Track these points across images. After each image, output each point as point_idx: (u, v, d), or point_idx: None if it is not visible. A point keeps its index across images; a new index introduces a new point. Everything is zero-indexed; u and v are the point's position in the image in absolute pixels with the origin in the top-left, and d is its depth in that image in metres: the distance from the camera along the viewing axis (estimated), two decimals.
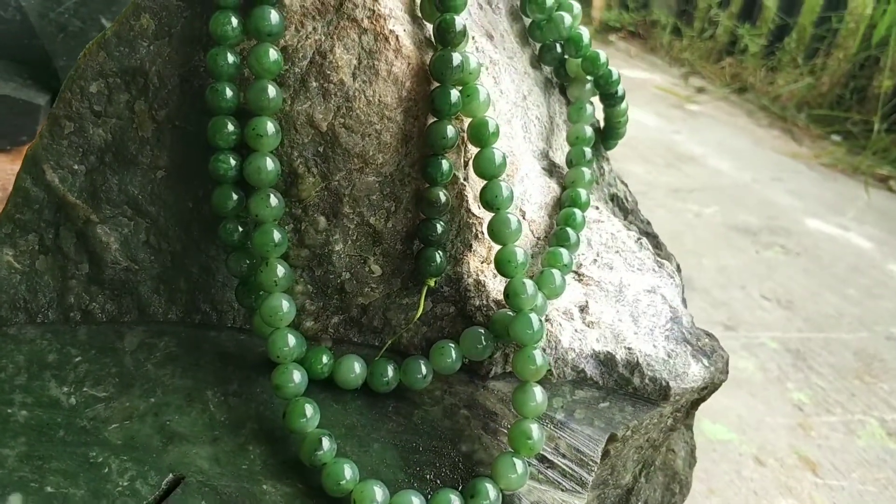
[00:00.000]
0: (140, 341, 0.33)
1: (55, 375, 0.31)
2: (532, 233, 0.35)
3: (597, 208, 0.39)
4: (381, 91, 0.30)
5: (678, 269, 0.44)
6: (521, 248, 0.31)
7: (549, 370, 0.32)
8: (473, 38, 0.35)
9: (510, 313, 0.31)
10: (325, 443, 0.28)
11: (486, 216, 0.33)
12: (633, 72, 1.69)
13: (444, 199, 0.31)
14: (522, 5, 0.38)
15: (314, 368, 0.31)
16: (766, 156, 1.26)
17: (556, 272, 0.32)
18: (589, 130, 0.38)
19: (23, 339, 0.31)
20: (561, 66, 0.40)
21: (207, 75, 0.30)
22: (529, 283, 0.30)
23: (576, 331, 0.33)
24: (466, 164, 0.32)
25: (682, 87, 1.62)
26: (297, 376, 0.29)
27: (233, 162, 0.29)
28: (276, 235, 0.29)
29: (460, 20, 0.30)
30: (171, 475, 0.28)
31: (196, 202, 0.31)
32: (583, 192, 0.36)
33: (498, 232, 0.31)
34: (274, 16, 0.28)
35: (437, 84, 0.30)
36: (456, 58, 0.30)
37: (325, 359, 0.31)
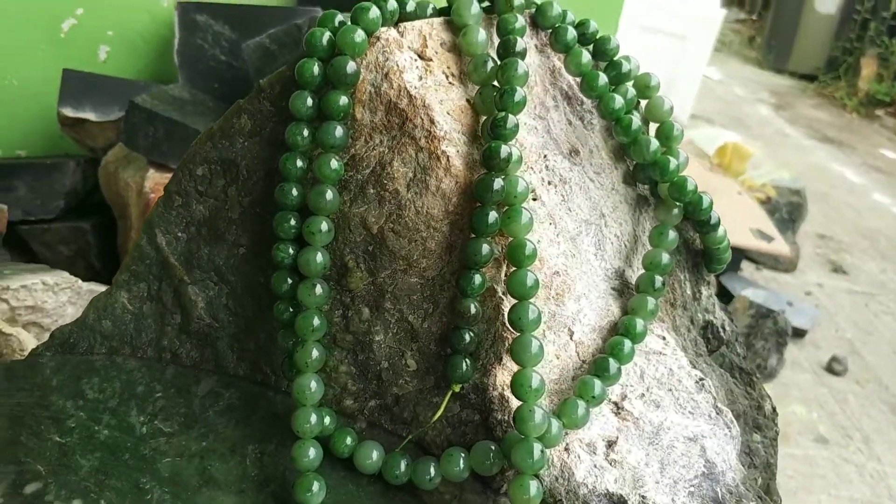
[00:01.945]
0: (210, 389, 0.37)
1: (138, 405, 0.36)
2: (577, 355, 0.35)
3: (663, 338, 0.37)
4: (430, 203, 0.33)
5: (774, 411, 0.41)
6: (539, 373, 0.31)
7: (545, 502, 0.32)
8: (545, 156, 0.36)
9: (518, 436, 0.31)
10: None
11: None
12: None
13: (475, 311, 0.33)
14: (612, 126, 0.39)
15: (338, 447, 0.34)
16: None
17: (581, 403, 0.32)
18: (666, 257, 0.37)
19: (123, 368, 0.38)
20: (655, 186, 0.39)
21: None
22: (539, 412, 0.30)
23: (595, 466, 0.32)
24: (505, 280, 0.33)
25: None
26: (312, 453, 0.32)
27: (291, 251, 0.33)
28: (316, 321, 0.33)
29: (506, 148, 0.31)
30: None
31: (266, 278, 0.36)
32: (639, 323, 0.35)
33: (517, 353, 0.31)
34: (339, 131, 0.32)
35: (479, 204, 0.32)
36: (497, 182, 0.31)
37: (349, 440, 0.34)
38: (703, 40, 2.13)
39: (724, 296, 1.31)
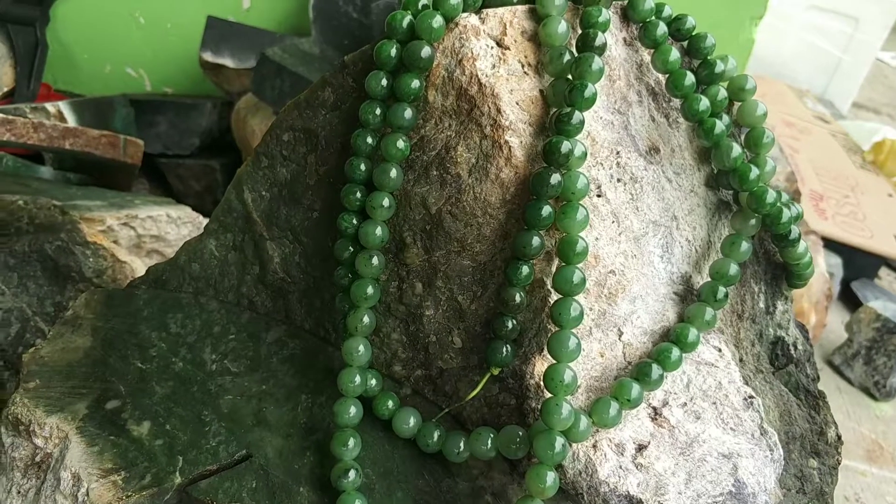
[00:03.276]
0: (278, 337, 0.40)
1: (213, 343, 0.40)
2: (624, 355, 0.35)
3: (719, 350, 0.36)
4: (488, 191, 0.33)
5: (839, 439, 0.39)
6: (573, 369, 0.32)
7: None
8: (618, 152, 0.35)
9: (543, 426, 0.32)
10: (352, 474, 0.33)
11: None
12: None
13: (519, 300, 0.33)
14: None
15: (379, 409, 0.36)
16: None
17: (614, 404, 0.32)
18: (734, 268, 0.36)
19: (205, 308, 0.41)
20: (738, 193, 0.38)
21: None
22: (566, 407, 0.31)
23: (620, 467, 0.32)
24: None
25: None
26: (353, 410, 0.34)
27: (354, 222, 0.35)
28: (370, 290, 0.34)
29: (568, 144, 0.31)
30: (244, 451, 0.35)
31: (333, 244, 0.38)
32: (692, 332, 0.35)
33: (553, 347, 0.32)
34: (408, 112, 0.33)
35: (534, 197, 0.32)
36: (554, 178, 0.32)
37: (390, 404, 0.36)
38: (877, 24, 1.95)
39: (853, 304, 1.24)
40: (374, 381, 0.36)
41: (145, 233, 0.73)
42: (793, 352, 0.40)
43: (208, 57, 0.94)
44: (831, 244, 1.11)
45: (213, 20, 0.95)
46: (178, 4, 1.05)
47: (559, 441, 0.31)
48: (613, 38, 0.36)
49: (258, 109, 0.91)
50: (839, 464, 0.39)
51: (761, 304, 0.40)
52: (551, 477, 0.30)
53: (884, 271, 1.41)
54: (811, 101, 1.76)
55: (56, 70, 1.07)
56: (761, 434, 0.34)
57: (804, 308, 0.80)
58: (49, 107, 0.85)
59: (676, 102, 0.38)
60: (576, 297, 0.32)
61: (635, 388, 0.33)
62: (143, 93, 1.11)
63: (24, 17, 0.92)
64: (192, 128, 0.98)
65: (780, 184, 0.87)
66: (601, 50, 0.33)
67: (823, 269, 0.81)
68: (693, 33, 0.37)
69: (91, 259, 0.55)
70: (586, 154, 0.33)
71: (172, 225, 0.74)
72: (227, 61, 0.96)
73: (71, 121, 0.89)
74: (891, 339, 0.99)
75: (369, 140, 0.34)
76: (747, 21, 1.00)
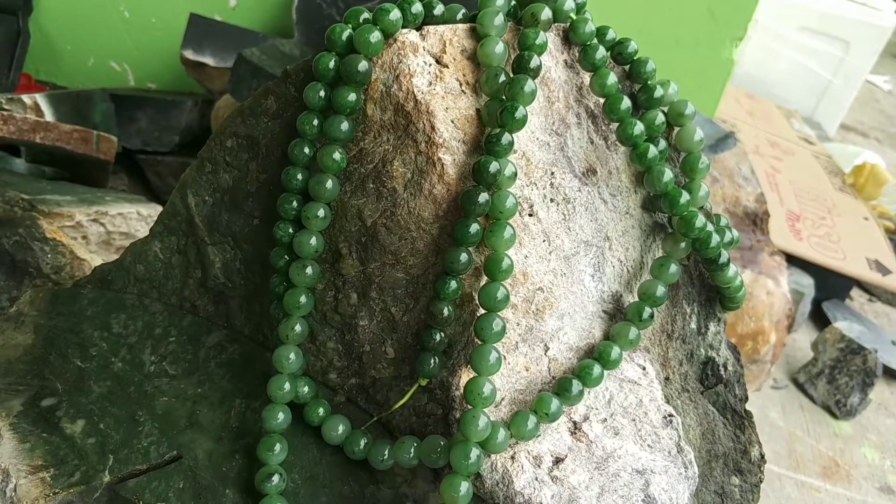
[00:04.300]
0: (218, 342, 0.41)
1: (153, 345, 0.41)
2: (549, 370, 0.36)
3: (643, 368, 0.37)
4: (422, 206, 0.34)
5: (762, 458, 0.40)
6: (493, 383, 0.32)
7: None
8: (553, 173, 0.36)
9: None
10: (276, 478, 0.34)
11: None
12: None
13: (447, 314, 0.34)
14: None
15: (310, 415, 0.37)
16: None
17: (532, 417, 0.33)
18: (661, 290, 0.37)
19: (148, 310, 0.42)
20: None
21: None
22: (483, 419, 0.32)
23: (536, 479, 0.33)
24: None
25: None
26: (281, 416, 0.35)
27: (290, 231, 0.36)
28: (303, 299, 0.35)
29: (496, 164, 0.32)
30: (174, 452, 0.36)
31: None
32: (615, 350, 0.35)
33: (475, 361, 0.32)
34: (344, 125, 0.34)
35: (463, 214, 0.33)
36: (482, 196, 0.32)
37: (321, 411, 0.37)
38: (867, 49, 1.97)
39: (823, 324, 1.25)
40: (306, 389, 0.37)
41: (115, 230, 0.73)
42: (723, 372, 0.41)
43: (189, 55, 0.95)
44: (805, 264, 1.12)
45: (196, 18, 0.95)
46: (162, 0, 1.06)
47: (474, 452, 0.31)
48: (554, 60, 0.37)
49: None
50: (761, 482, 0.40)
51: (693, 325, 0.41)
52: (465, 487, 0.31)
53: (856, 292, 1.43)
54: (798, 122, 1.78)
55: (38, 61, 1.07)
56: (678, 451, 0.35)
57: (765, 327, 0.81)
58: (26, 98, 0.85)
59: (615, 125, 0.39)
60: (500, 313, 0.33)
61: (554, 403, 0.34)
62: (127, 87, 1.12)
63: (6, 5, 0.92)
64: (173, 125, 0.99)
65: (749, 204, 0.88)
66: (535, 73, 0.34)
67: (785, 290, 0.82)
68: (635, 57, 0.38)
69: (49, 255, 0.56)
70: (516, 174, 0.33)
71: (143, 223, 0.75)
72: (209, 60, 0.96)
73: (48, 114, 0.89)
74: (853, 360, 1.00)
75: (307, 150, 0.35)
76: (728, 41, 1.01)
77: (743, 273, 0.81)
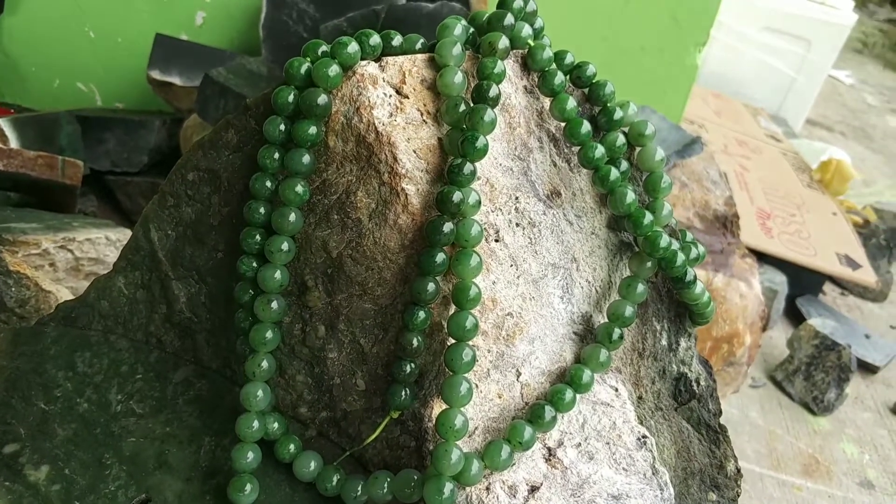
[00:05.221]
0: (185, 377, 0.40)
1: (119, 384, 0.40)
2: (522, 396, 0.36)
3: (616, 390, 0.37)
4: (387, 236, 0.34)
5: (738, 472, 0.40)
6: (464, 414, 0.32)
7: None
8: (517, 198, 0.36)
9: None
10: None
11: None
12: None
13: (416, 345, 0.34)
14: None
15: (281, 452, 0.36)
16: None
17: (505, 447, 0.33)
18: (630, 310, 0.37)
19: (114, 347, 0.41)
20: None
21: None
22: (456, 453, 0.31)
23: None
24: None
25: None
26: (251, 456, 0.35)
27: (254, 265, 0.35)
28: (269, 334, 0.35)
29: (459, 194, 0.32)
30: (143, 495, 0.35)
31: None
32: (587, 373, 0.35)
33: (446, 392, 0.32)
34: (306, 158, 0.33)
35: (428, 244, 0.33)
36: (447, 226, 0.32)
37: (292, 448, 0.36)
38: (828, 47, 2.01)
39: (798, 320, 1.26)
40: (276, 425, 0.36)
41: (83, 255, 0.72)
42: (695, 387, 0.41)
43: (156, 75, 0.94)
44: (777, 262, 1.14)
45: (162, 38, 0.94)
46: (129, 19, 1.05)
47: (448, 486, 0.31)
48: (513, 87, 0.37)
49: (205, 129, 0.91)
50: (738, 496, 0.40)
51: (664, 342, 0.41)
52: None
53: (829, 286, 1.45)
54: (765, 120, 1.80)
55: (3, 83, 1.05)
56: (653, 474, 0.35)
57: (739, 330, 0.82)
58: None
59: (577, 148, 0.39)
60: (470, 342, 0.33)
61: (528, 431, 0.33)
62: (94, 108, 1.10)
63: None
64: (141, 145, 0.98)
65: (719, 208, 0.89)
66: (495, 101, 0.33)
67: (758, 291, 0.83)
68: (593, 81, 0.38)
69: (13, 289, 0.55)
70: (480, 202, 0.33)
71: (112, 247, 0.74)
72: (176, 79, 0.95)
73: (12, 139, 0.88)
74: (828, 356, 1.01)
75: (268, 184, 0.34)
76: (691, 47, 1.02)
77: (715, 277, 0.81)
